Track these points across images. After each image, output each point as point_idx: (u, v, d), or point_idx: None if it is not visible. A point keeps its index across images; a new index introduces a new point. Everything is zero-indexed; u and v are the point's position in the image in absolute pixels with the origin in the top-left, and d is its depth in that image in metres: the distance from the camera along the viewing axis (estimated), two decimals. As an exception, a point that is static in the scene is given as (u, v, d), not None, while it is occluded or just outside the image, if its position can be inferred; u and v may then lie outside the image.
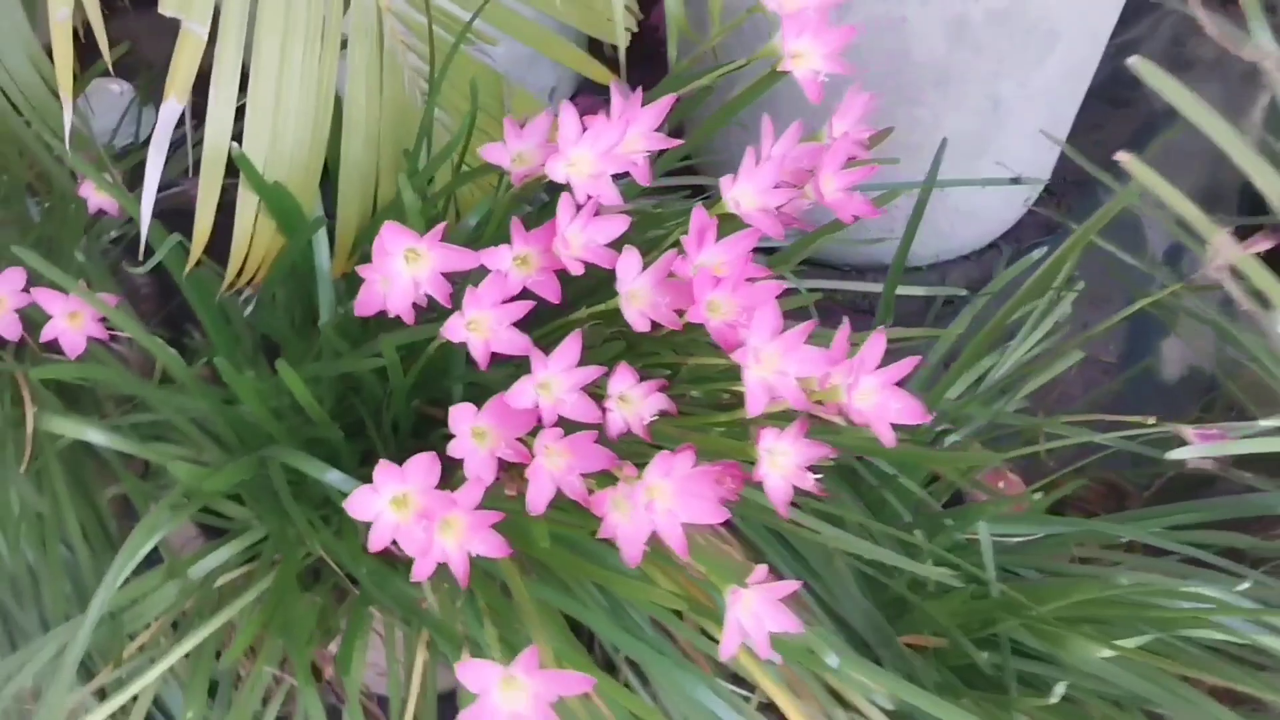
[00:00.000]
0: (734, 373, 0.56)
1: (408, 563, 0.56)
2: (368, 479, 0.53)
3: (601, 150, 0.58)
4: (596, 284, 0.60)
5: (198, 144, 0.70)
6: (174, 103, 0.65)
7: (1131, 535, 0.71)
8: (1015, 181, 0.92)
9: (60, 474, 0.85)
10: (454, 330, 0.55)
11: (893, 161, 0.81)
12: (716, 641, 0.56)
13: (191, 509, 0.73)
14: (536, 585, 0.63)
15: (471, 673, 0.49)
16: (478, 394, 0.75)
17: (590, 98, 1.26)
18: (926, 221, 0.81)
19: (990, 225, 1.28)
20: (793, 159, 0.64)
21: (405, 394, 0.70)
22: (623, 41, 0.82)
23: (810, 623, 0.69)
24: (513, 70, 0.89)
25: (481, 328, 0.56)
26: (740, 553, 0.75)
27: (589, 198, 0.58)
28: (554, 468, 0.55)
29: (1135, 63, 0.55)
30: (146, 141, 0.67)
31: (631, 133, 0.60)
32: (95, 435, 0.76)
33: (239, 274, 0.74)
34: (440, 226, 0.55)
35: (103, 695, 0.76)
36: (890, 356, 0.56)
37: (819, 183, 0.62)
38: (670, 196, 0.96)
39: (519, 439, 0.56)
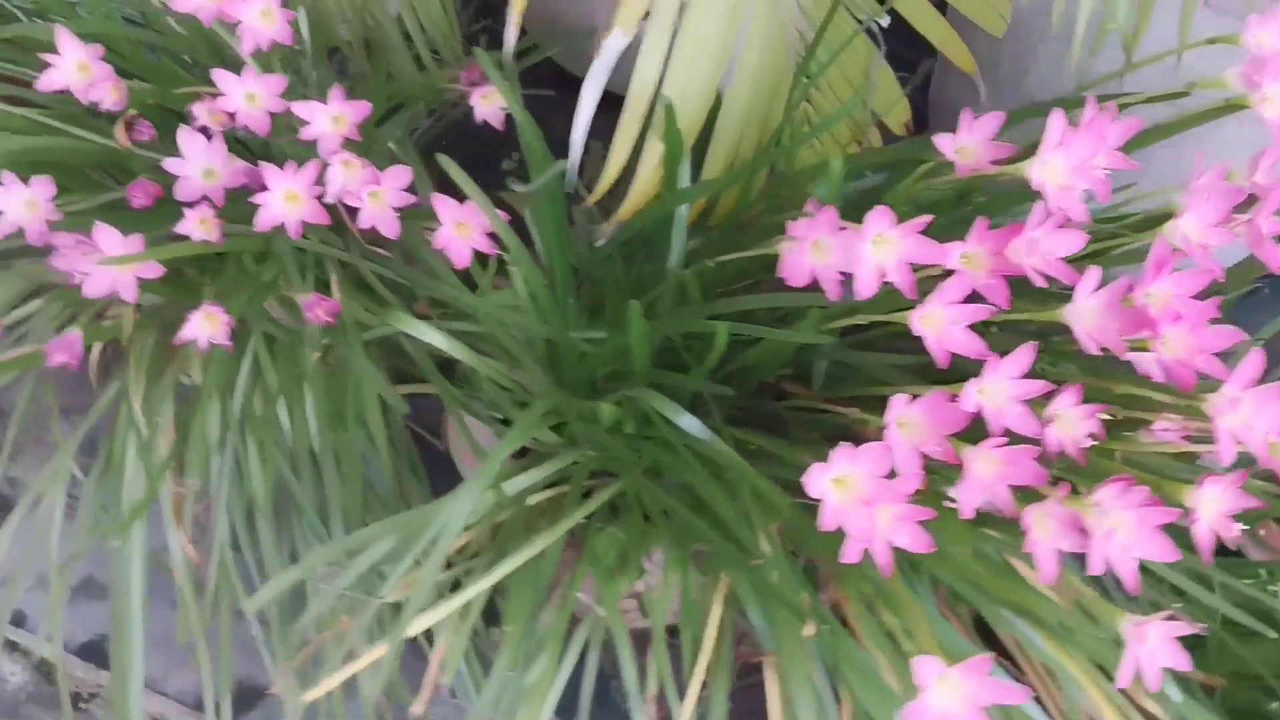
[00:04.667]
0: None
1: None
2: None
3: (1074, 162, 0.57)
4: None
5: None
6: (620, 35, 0.65)
7: None
8: None
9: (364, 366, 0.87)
10: (916, 319, 0.56)
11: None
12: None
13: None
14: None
15: (922, 667, 0.50)
16: (843, 374, 0.76)
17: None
18: None
19: None
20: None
21: (765, 361, 0.70)
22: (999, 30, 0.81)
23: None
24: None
25: (933, 323, 0.56)
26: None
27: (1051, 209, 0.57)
28: (984, 474, 0.55)
29: None
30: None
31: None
32: (436, 338, 0.77)
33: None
34: (924, 219, 0.55)
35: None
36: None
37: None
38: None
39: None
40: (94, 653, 1.02)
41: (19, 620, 1.04)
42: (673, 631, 0.79)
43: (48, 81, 0.73)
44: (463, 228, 0.71)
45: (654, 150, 0.70)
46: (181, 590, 0.91)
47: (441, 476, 0.93)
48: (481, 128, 0.83)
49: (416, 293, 0.89)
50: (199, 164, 0.75)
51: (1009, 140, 0.76)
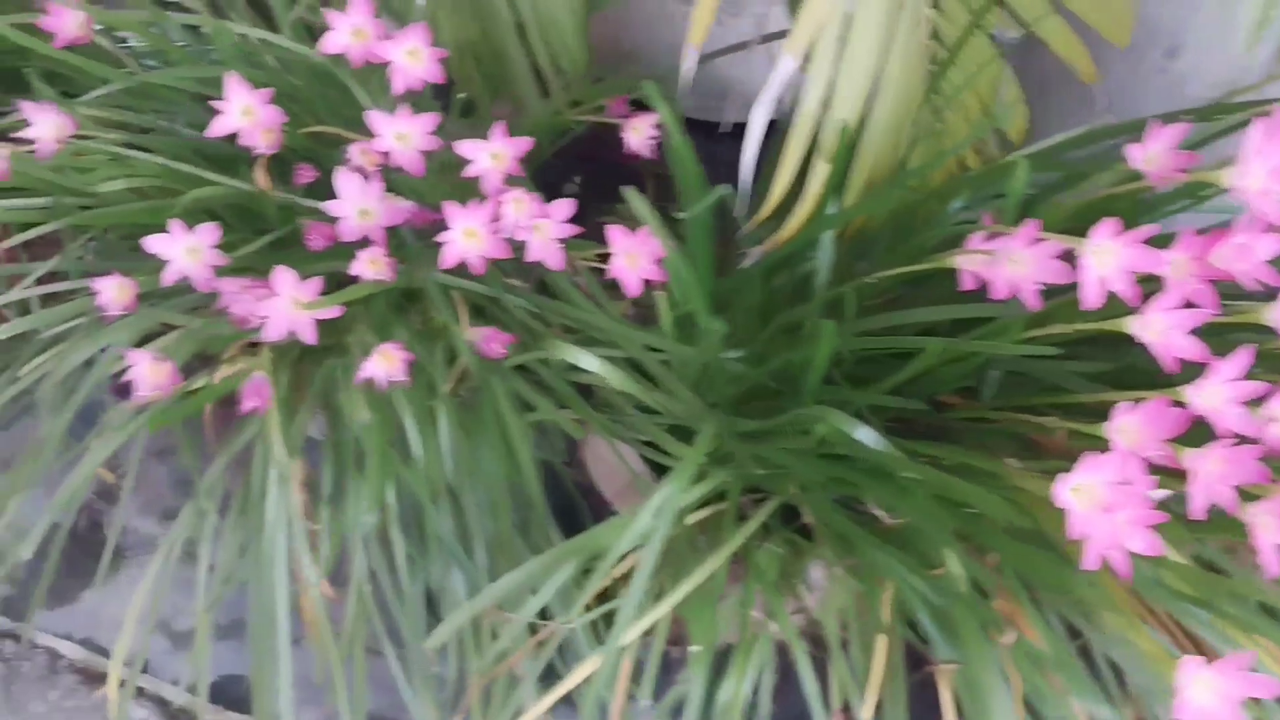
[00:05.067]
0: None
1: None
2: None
3: (1271, 167, 0.59)
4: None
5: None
6: (790, 61, 0.66)
7: None
8: None
9: (502, 396, 0.87)
10: (1136, 326, 0.57)
11: None
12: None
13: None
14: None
15: (1185, 668, 0.52)
16: (1015, 383, 0.77)
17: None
18: None
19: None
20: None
21: (944, 373, 0.72)
22: (1124, 41, 0.83)
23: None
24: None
25: (1155, 330, 0.58)
26: None
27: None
28: (1210, 476, 0.57)
29: None
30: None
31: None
32: (594, 364, 0.79)
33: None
34: (1150, 228, 0.57)
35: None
36: None
37: None
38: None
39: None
40: (220, 694, 1.02)
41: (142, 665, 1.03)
42: (817, 642, 0.80)
43: (218, 127, 0.73)
44: (632, 258, 0.71)
45: (820, 173, 0.71)
46: (318, 626, 0.91)
47: (570, 504, 0.94)
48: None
49: (547, 320, 0.90)
50: (355, 204, 0.75)
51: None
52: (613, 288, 0.89)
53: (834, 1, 0.65)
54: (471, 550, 0.89)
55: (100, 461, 0.92)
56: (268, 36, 0.91)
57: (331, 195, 0.79)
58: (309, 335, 0.70)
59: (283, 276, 0.70)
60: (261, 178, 0.80)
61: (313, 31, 0.97)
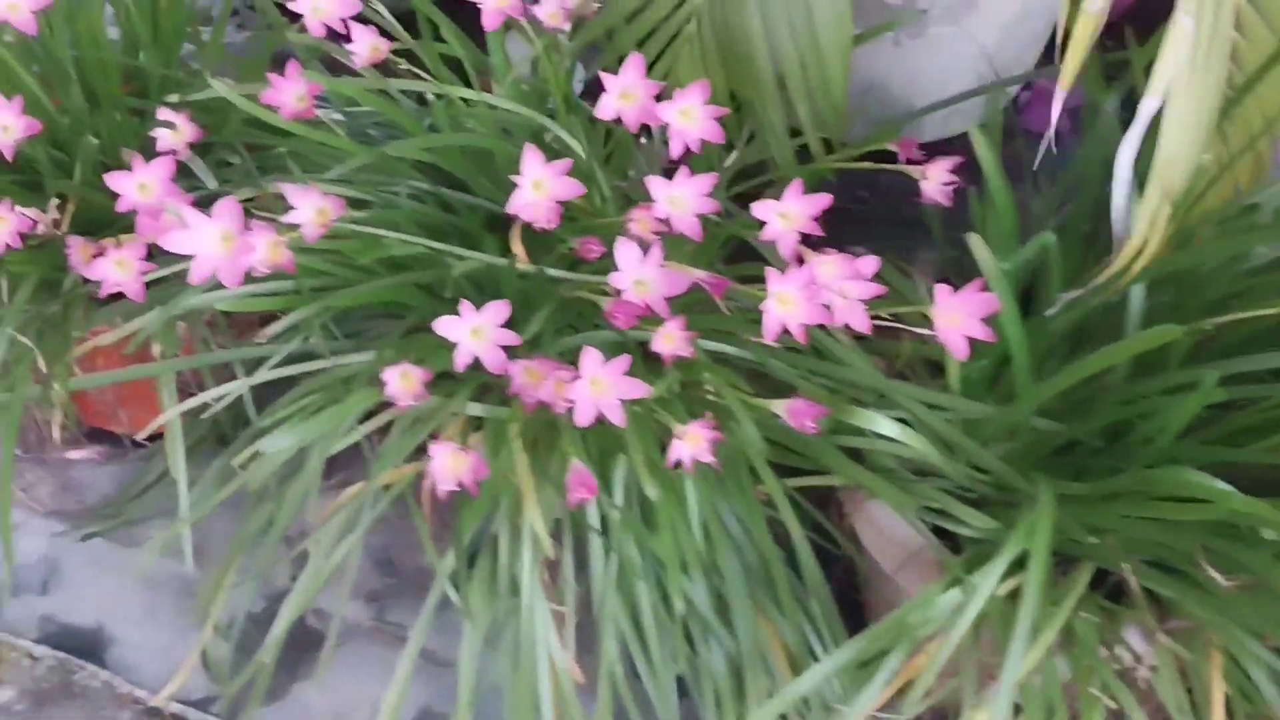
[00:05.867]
0: None
1: None
2: None
3: None
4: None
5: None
6: (1154, 100, 0.62)
7: None
8: None
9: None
10: None
11: None
12: None
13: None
14: None
15: None
16: None
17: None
18: None
19: None
20: None
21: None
22: None
23: None
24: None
25: None
26: None
27: None
28: None
29: None
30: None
31: None
32: (893, 430, 0.74)
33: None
34: None
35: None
36: None
37: None
38: None
39: None
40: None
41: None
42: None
43: (516, 202, 0.69)
44: (954, 317, 0.67)
45: (1164, 215, 0.66)
46: (570, 713, 0.87)
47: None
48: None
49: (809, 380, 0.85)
50: (632, 274, 0.71)
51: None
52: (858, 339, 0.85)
53: (1187, 37, 0.61)
54: (732, 626, 0.85)
55: (340, 559, 0.88)
56: (486, 98, 0.87)
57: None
58: (617, 418, 0.66)
59: (590, 358, 0.65)
60: (520, 250, 0.76)
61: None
